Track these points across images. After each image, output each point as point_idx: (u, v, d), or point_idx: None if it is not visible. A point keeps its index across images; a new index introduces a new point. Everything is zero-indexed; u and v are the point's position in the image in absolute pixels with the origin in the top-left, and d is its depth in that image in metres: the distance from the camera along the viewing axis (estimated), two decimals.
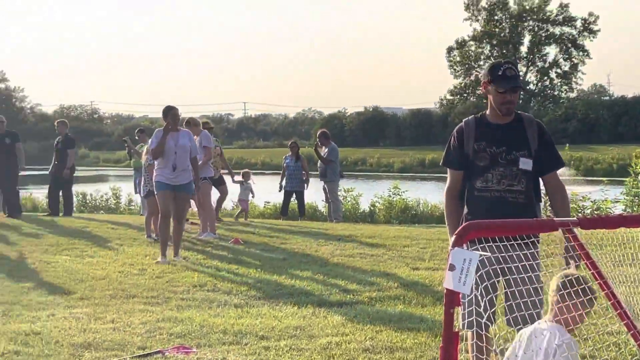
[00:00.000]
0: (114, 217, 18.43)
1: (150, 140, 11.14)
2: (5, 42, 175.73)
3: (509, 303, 4.15)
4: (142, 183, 13.28)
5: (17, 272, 9.91)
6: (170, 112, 10.82)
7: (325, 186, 17.61)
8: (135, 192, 18.07)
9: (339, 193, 18.40)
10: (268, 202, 20.93)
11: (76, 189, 20.72)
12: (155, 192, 11.04)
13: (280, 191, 18.06)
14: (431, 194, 23.03)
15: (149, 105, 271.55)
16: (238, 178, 17.20)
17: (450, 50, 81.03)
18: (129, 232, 13.92)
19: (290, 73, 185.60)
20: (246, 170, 18.55)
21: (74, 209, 19.30)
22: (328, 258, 11.07)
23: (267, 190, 20.98)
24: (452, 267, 2.74)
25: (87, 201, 23.17)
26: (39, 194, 23.98)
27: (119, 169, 62.82)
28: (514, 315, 3.78)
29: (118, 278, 9.45)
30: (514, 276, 3.86)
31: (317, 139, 18.13)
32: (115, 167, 68.22)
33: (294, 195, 18.06)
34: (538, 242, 4.45)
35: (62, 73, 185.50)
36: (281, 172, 18.20)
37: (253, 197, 17.77)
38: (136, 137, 17.82)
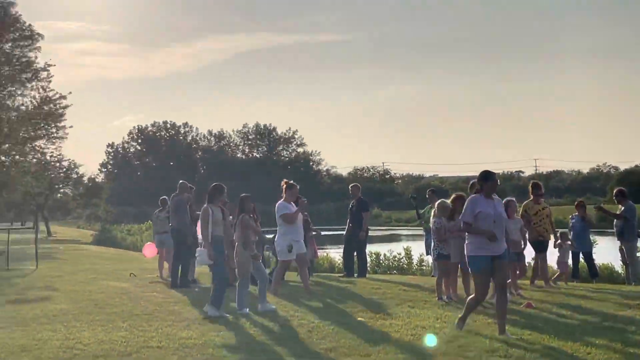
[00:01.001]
0: (406, 277, 18.75)
1: (465, 206, 10.24)
2: (303, 110, 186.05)
3: None
4: (433, 245, 13.45)
5: (315, 333, 10.37)
6: (490, 178, 10.16)
7: (623, 247, 16.81)
8: (427, 254, 18.29)
9: (637, 254, 17.45)
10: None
11: (370, 248, 21.37)
12: (475, 270, 10.08)
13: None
14: None
15: (438, 164, 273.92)
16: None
17: None
18: (420, 294, 14.09)
19: (581, 127, 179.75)
20: (565, 230, 17.76)
21: (368, 269, 19.88)
22: (626, 325, 10.52)
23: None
24: None
25: (381, 261, 23.74)
26: (336, 253, 25.00)
27: (410, 228, 63.83)
28: None
29: (411, 341, 9.59)
30: None
31: (614, 197, 17.37)
32: (406, 227, 69.42)
33: (581, 256, 17.43)
34: None
35: (355, 137, 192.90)
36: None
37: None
38: (427, 197, 18.03)
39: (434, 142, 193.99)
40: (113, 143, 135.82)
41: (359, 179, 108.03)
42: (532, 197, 15.75)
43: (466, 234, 10.17)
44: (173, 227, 17.03)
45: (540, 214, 15.55)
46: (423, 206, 18.71)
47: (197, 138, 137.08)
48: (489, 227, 9.85)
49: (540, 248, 15.53)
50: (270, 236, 16.71)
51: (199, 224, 13.36)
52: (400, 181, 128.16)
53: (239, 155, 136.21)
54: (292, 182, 14.99)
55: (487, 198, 10.08)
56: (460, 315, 10.44)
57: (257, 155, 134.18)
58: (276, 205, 14.61)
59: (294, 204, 14.59)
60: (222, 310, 12.13)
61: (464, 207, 10.18)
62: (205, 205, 12.35)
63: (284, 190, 14.71)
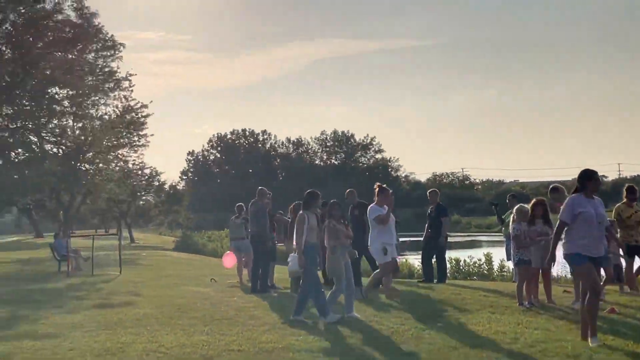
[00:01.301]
0: (486, 283, 18.57)
1: (564, 206, 9.85)
2: (381, 116, 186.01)
3: None
4: (513, 251, 13.30)
5: (395, 338, 10.36)
6: (594, 177, 9.85)
7: None
8: (507, 259, 18.08)
9: None
10: None
11: (449, 255, 21.25)
12: (577, 266, 9.86)
13: None
14: None
15: (519, 169, 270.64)
16: None
17: None
18: (500, 300, 13.93)
19: None
20: None
21: (448, 275, 19.76)
22: None
23: None
24: None
25: (461, 267, 23.57)
26: (415, 259, 24.92)
27: (490, 234, 63.16)
28: None
29: (490, 347, 9.50)
30: None
31: None
32: (487, 233, 68.72)
33: None
34: None
35: (434, 142, 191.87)
36: None
37: None
38: (507, 202, 17.84)
39: (515, 146, 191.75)
40: (193, 151, 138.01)
41: (438, 185, 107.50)
42: (625, 200, 15.35)
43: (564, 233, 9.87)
44: (253, 232, 17.20)
45: (633, 218, 15.17)
46: (504, 212, 18.49)
47: (276, 145, 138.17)
48: (592, 228, 9.61)
49: (632, 252, 15.14)
50: None
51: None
52: (480, 187, 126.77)
53: (317, 162, 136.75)
54: (384, 185, 15.09)
55: (589, 198, 9.81)
56: (590, 327, 9.65)
57: (335, 162, 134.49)
58: (368, 208, 14.74)
59: (385, 207, 14.65)
60: (301, 315, 12.17)
61: (563, 206, 9.93)
62: (300, 212, 12.38)
63: (376, 193, 14.80)
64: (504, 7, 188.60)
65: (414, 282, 18.26)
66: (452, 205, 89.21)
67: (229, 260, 21.09)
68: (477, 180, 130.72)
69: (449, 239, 19.75)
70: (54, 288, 19.30)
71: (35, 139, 31.03)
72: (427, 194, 19.14)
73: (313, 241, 12.21)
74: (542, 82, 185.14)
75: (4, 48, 27.30)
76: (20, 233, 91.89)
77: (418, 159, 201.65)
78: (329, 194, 12.85)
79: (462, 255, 24.94)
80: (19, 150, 30.32)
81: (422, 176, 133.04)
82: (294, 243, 12.54)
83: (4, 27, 27.02)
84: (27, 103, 28.75)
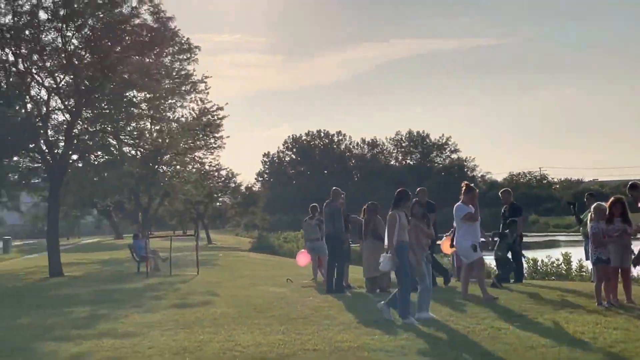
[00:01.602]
0: (564, 283, 18.29)
1: None
2: (456, 116, 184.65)
3: None
4: (591, 250, 13.07)
5: (471, 337, 10.28)
6: None
7: None
8: (586, 259, 17.76)
9: None
10: None
11: (527, 254, 20.98)
12: None
13: None
14: None
15: (597, 169, 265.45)
16: None
17: None
18: (579, 300, 13.71)
19: None
20: None
21: (525, 275, 19.50)
22: None
23: None
24: None
25: (538, 267, 23.24)
26: (491, 259, 24.62)
27: (569, 234, 62.14)
28: None
29: (568, 347, 9.35)
30: None
31: None
32: (565, 233, 67.65)
33: None
34: None
35: (510, 141, 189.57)
36: None
37: None
38: (585, 201, 17.54)
39: (594, 145, 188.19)
40: (269, 152, 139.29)
41: (515, 185, 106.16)
42: None
43: None
44: (328, 233, 17.23)
45: None
46: (583, 211, 18.16)
47: (351, 146, 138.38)
48: None
49: None
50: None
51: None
52: (558, 186, 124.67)
53: (392, 162, 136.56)
54: (472, 184, 15.08)
55: None
56: None
57: (411, 162, 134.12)
58: (455, 207, 14.68)
59: (472, 206, 14.58)
60: (425, 313, 12.14)
61: None
62: (391, 211, 12.34)
63: (462, 192, 14.74)
64: (582, 5, 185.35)
65: (489, 282, 18.06)
66: (529, 204, 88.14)
67: (303, 258, 21.20)
68: (555, 180, 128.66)
69: (527, 239, 19.49)
70: (133, 288, 19.70)
71: (114, 142, 31.63)
72: (499, 193, 18.97)
73: (405, 240, 12.18)
74: (621, 79, 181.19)
75: (83, 52, 27.88)
76: (101, 234, 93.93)
77: (494, 159, 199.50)
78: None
79: (540, 255, 24.59)
80: (99, 152, 30.91)
81: (499, 176, 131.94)
82: (385, 243, 12.48)
83: (83, 32, 27.58)
84: (105, 106, 29.29)
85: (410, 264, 12.24)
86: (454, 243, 14.94)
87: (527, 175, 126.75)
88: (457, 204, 14.73)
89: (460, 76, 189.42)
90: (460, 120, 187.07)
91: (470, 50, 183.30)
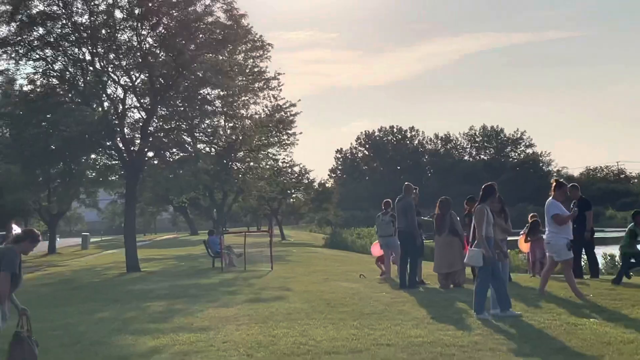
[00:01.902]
0: None
1: None
2: (531, 110, 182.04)
3: None
4: None
5: (546, 333, 10.14)
6: None
7: None
8: None
9: None
10: None
11: (604, 250, 20.64)
12: None
13: None
14: None
15: None
16: None
17: None
18: None
19: None
20: None
21: (602, 270, 19.18)
22: None
23: None
24: None
25: (616, 262, 22.81)
26: None
27: None
28: None
29: None
30: None
31: None
32: None
33: None
34: None
35: (587, 135, 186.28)
36: None
37: None
38: None
39: None
40: (342, 149, 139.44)
41: (591, 179, 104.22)
42: None
43: None
44: (401, 228, 17.17)
45: None
46: None
47: (424, 141, 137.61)
48: None
49: None
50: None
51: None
52: (636, 180, 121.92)
53: (465, 157, 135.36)
54: (562, 180, 14.85)
55: None
56: None
57: (485, 158, 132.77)
58: (547, 203, 14.38)
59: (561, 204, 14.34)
60: (507, 310, 12.01)
61: None
62: (479, 205, 12.23)
63: (552, 188, 14.50)
64: None
65: (561, 277, 17.76)
66: (606, 199, 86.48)
67: (377, 249, 21.13)
68: (633, 174, 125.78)
69: (604, 235, 19.16)
70: (208, 283, 19.95)
71: (189, 139, 32.05)
72: (567, 190, 18.64)
73: (490, 235, 12.06)
74: None
75: (158, 51, 28.33)
76: (176, 230, 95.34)
77: (571, 153, 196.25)
78: (478, 190, 12.63)
79: (618, 251, 24.10)
80: (174, 149, 31.39)
81: (575, 170, 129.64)
82: (476, 237, 12.32)
83: (157, 31, 28.03)
84: (180, 104, 29.71)
85: (492, 260, 12.10)
86: (545, 240, 14.64)
87: (605, 169, 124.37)
88: (549, 199, 14.40)
89: (535, 70, 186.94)
90: (535, 114, 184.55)
91: (543, 43, 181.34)
